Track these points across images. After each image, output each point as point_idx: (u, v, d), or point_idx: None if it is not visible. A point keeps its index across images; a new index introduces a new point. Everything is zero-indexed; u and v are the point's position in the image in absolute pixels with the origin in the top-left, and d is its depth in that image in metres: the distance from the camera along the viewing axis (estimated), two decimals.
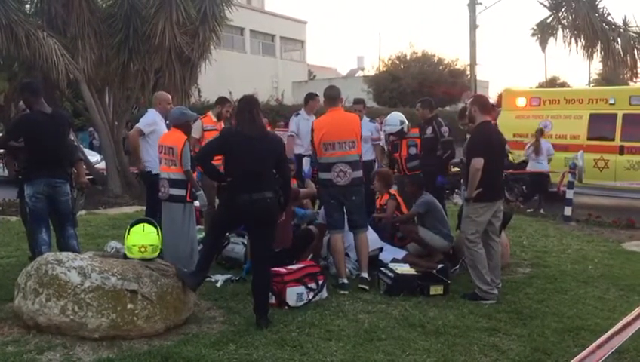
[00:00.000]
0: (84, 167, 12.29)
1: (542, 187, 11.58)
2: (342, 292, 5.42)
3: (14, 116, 10.14)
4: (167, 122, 6.31)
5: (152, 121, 6.47)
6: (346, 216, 5.72)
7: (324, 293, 5.24)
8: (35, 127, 5.29)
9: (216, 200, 6.56)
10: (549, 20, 12.99)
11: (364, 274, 5.65)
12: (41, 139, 5.27)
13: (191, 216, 5.60)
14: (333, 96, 5.83)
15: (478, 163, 5.20)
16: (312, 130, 5.73)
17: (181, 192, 5.51)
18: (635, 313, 2.57)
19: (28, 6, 11.52)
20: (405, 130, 7.40)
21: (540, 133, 11.64)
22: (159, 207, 5.75)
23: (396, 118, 7.51)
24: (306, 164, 7.64)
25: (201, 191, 5.68)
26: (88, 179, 12.50)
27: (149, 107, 14.59)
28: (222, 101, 7.68)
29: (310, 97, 8.23)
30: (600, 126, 12.03)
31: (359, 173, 5.68)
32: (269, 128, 6.75)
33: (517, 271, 6.51)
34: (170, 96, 6.90)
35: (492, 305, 5.13)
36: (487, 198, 5.30)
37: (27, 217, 5.66)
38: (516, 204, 11.29)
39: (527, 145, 11.73)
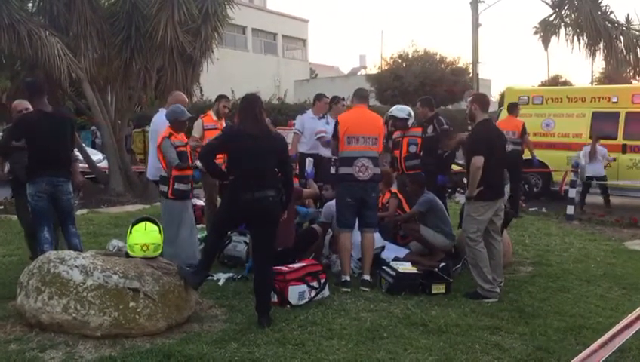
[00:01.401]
0: (86, 165, 12.39)
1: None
2: (344, 289, 5.43)
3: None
4: None
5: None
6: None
7: (326, 292, 5.24)
8: (35, 126, 5.29)
9: (218, 199, 6.56)
10: (551, 19, 12.93)
11: (366, 277, 5.64)
12: (40, 138, 5.26)
13: (180, 215, 5.55)
14: (364, 95, 6.06)
15: (478, 161, 5.19)
16: (337, 124, 5.75)
17: (165, 188, 5.53)
18: (638, 311, 2.56)
19: (30, 5, 11.52)
20: (410, 123, 7.41)
21: (597, 138, 11.33)
22: None
23: (406, 108, 7.56)
24: (309, 164, 7.65)
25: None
26: (89, 178, 12.61)
27: (150, 106, 14.60)
28: (219, 98, 7.67)
29: (318, 98, 8.26)
30: (602, 124, 12.00)
31: (378, 170, 5.77)
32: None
33: (519, 269, 6.51)
34: (186, 98, 6.67)
35: (494, 304, 5.13)
36: (488, 197, 5.29)
37: (22, 216, 5.66)
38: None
39: (584, 148, 11.42)
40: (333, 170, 6.61)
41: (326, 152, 7.53)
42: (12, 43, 10.12)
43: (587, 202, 11.42)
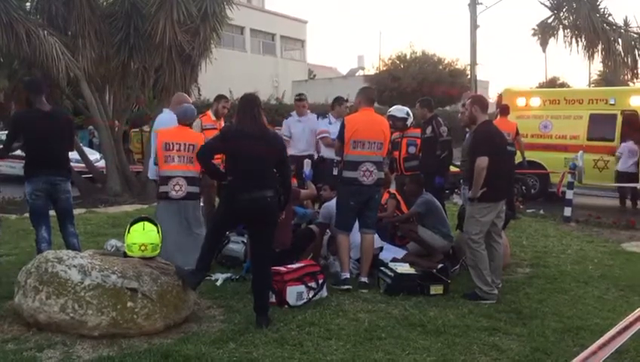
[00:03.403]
0: (83, 165, 12.34)
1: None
2: (344, 287, 5.44)
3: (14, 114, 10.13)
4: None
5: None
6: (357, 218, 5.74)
7: (325, 292, 5.24)
8: (32, 124, 5.28)
9: (216, 200, 6.55)
10: (549, 20, 13.01)
11: (364, 279, 5.64)
12: (38, 136, 5.25)
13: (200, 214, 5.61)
14: (371, 97, 6.00)
15: (482, 162, 5.18)
16: (343, 126, 5.72)
17: (197, 190, 5.51)
18: (636, 313, 2.56)
19: (28, 4, 11.49)
20: (408, 123, 7.43)
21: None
22: None
23: (404, 108, 7.59)
24: (307, 165, 7.66)
25: None
26: (87, 177, 12.60)
27: (149, 105, 14.57)
28: (218, 98, 7.68)
29: (296, 98, 8.35)
30: (600, 126, 12.04)
31: (382, 174, 5.78)
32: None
33: (517, 271, 6.52)
34: (190, 99, 6.67)
35: (492, 305, 5.13)
36: (491, 198, 5.28)
37: None
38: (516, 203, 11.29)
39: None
40: (335, 172, 6.60)
41: (329, 153, 7.55)
42: (10, 42, 10.08)
43: (584, 204, 11.47)
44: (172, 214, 5.55)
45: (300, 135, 8.04)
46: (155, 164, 5.82)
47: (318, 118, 8.35)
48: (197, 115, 5.80)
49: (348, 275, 5.57)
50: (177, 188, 5.50)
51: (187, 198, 5.52)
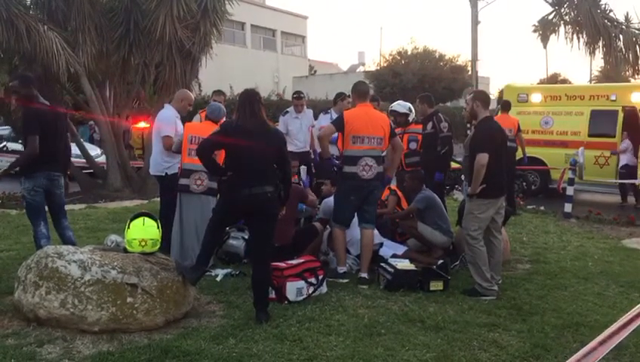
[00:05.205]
0: (84, 160, 12.32)
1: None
2: (342, 281, 5.44)
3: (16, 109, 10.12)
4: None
5: (173, 121, 6.21)
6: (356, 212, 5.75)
7: (324, 288, 5.24)
8: (45, 120, 5.27)
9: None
10: (550, 17, 12.95)
11: (364, 274, 5.64)
12: (46, 132, 5.25)
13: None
14: (364, 91, 5.91)
15: (482, 158, 5.17)
16: (342, 122, 5.70)
17: (215, 185, 5.58)
18: (636, 310, 2.56)
19: None
20: (410, 119, 7.42)
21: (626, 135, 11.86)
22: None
23: (406, 104, 7.57)
24: (303, 172, 7.61)
25: None
26: (88, 172, 12.60)
27: (149, 101, 14.57)
28: (214, 93, 7.75)
29: (294, 96, 8.36)
30: (601, 123, 12.03)
31: (381, 169, 5.76)
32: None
33: (517, 267, 6.52)
34: (192, 96, 6.69)
35: (492, 301, 5.13)
36: (490, 194, 5.27)
37: None
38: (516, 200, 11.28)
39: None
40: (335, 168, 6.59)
41: (331, 149, 7.54)
42: (10, 37, 10.07)
43: (585, 200, 11.46)
44: (193, 208, 5.67)
45: (298, 131, 8.06)
46: (176, 151, 5.94)
47: (320, 113, 8.36)
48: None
49: (345, 269, 5.59)
50: (199, 182, 5.66)
51: (207, 193, 5.67)
